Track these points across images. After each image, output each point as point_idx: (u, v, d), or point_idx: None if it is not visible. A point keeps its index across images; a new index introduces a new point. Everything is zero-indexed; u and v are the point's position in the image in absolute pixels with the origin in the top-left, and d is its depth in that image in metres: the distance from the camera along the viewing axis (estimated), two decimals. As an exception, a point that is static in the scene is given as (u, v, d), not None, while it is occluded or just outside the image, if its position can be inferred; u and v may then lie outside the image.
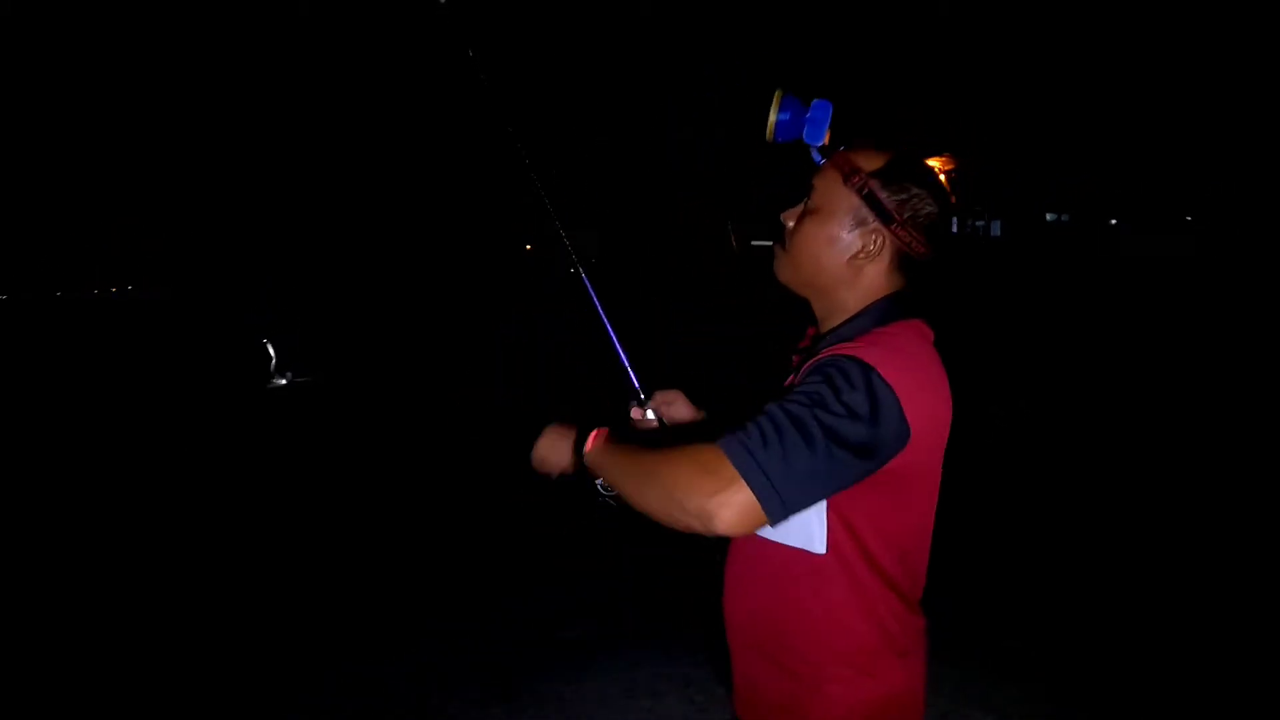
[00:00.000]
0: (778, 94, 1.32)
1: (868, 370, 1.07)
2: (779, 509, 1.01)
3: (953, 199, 1.26)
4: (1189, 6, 15.60)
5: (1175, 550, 4.24)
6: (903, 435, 1.08)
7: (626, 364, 1.54)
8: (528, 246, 26.43)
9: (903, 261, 1.23)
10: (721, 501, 0.99)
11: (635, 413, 1.54)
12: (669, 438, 1.18)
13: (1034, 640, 3.43)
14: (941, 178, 1.25)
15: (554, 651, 3.45)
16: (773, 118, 1.32)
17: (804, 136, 1.32)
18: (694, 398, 1.59)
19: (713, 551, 1.39)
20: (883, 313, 1.22)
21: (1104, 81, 16.73)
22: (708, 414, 1.57)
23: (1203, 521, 4.59)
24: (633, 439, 1.21)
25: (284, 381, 9.86)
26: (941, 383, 1.16)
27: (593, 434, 1.24)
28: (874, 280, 1.24)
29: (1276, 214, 16.45)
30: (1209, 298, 13.09)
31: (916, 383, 1.10)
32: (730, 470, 1.00)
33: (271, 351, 9.94)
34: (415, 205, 20.74)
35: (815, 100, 1.32)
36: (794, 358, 1.36)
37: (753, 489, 0.99)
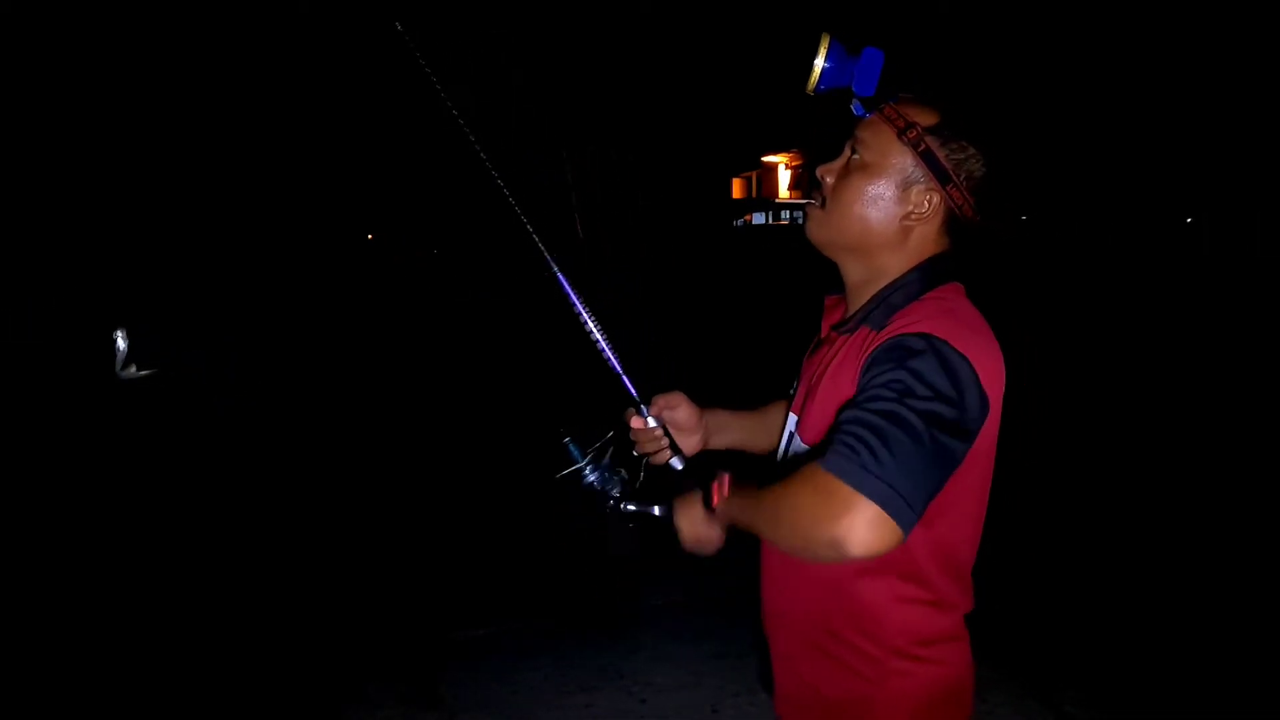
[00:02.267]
0: (825, 37, 1.21)
1: (941, 345, 1.01)
2: (908, 516, 0.92)
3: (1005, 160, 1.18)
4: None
5: (1172, 550, 4.12)
6: (985, 406, 1.03)
7: (619, 370, 1.39)
8: (369, 236, 25.18)
9: (951, 224, 1.17)
10: (849, 525, 0.90)
11: (636, 422, 1.41)
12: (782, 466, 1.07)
13: (1031, 640, 3.27)
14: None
15: (471, 651, 3.32)
16: (819, 64, 1.20)
17: (853, 86, 1.21)
18: (696, 396, 1.51)
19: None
20: (929, 275, 1.15)
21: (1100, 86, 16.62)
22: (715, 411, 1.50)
23: (1203, 521, 4.46)
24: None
25: (133, 372, 9.39)
26: (998, 346, 1.10)
27: (714, 491, 1.13)
28: (922, 243, 1.17)
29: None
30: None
31: (983, 349, 1.06)
32: (847, 490, 0.91)
33: (121, 343, 9.40)
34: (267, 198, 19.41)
35: (866, 48, 1.21)
36: (824, 329, 1.28)
37: (877, 502, 0.91)
